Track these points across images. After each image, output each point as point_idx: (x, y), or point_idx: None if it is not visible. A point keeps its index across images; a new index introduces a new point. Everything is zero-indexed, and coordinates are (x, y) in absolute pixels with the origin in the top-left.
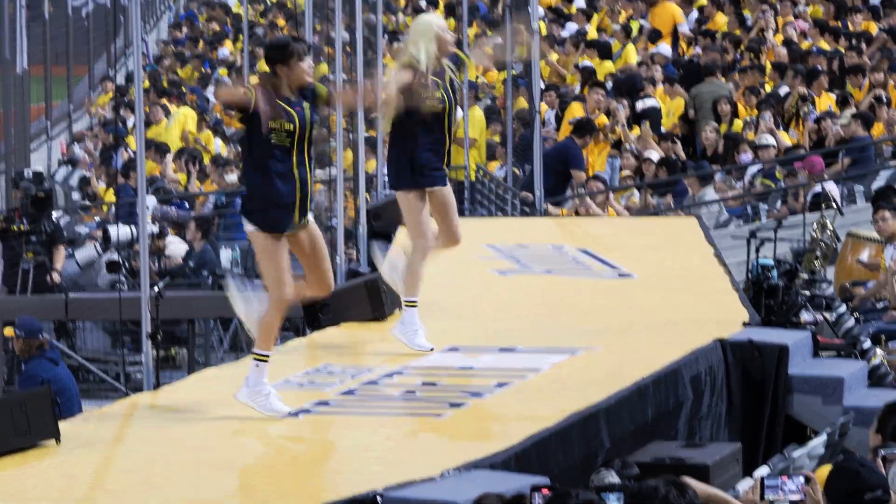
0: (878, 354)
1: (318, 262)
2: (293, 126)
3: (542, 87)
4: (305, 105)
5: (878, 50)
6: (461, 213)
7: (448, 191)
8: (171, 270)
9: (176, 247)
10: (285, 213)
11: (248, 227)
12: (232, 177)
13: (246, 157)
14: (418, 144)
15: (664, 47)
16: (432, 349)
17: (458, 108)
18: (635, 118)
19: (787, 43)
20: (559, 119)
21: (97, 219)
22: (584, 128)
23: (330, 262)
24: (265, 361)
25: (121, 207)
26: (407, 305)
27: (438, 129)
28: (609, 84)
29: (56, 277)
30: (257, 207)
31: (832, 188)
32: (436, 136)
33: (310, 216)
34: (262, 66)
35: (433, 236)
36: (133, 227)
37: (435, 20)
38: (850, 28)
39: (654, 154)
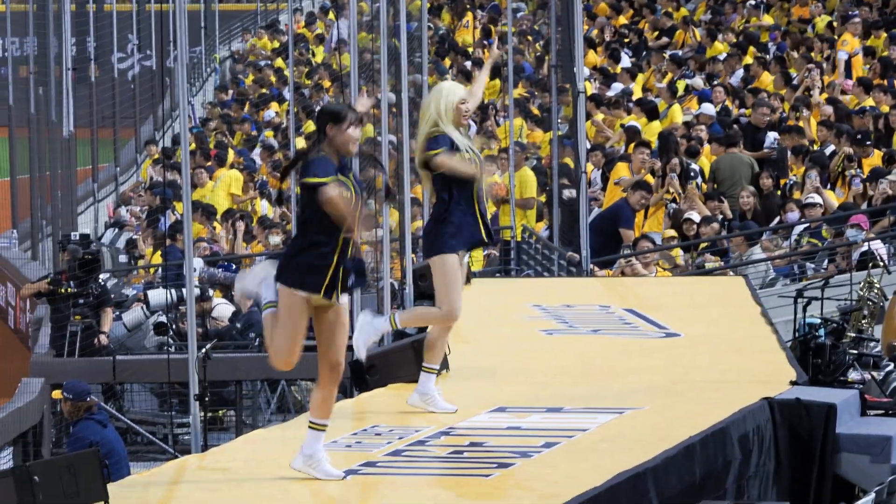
0: None
1: (328, 343)
2: (350, 195)
3: (588, 146)
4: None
5: None
6: (507, 272)
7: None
8: (218, 332)
9: (223, 308)
10: (320, 277)
11: (278, 287)
12: (276, 238)
13: (300, 223)
14: (463, 212)
15: (708, 107)
16: (455, 410)
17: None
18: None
19: (833, 101)
20: (605, 178)
21: (144, 281)
22: (639, 184)
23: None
24: (322, 430)
25: (168, 269)
26: (427, 371)
27: (472, 197)
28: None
29: (104, 340)
30: (292, 267)
31: (879, 247)
32: (474, 204)
33: (344, 298)
34: (308, 127)
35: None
36: (172, 291)
37: (458, 92)
38: None
39: (696, 214)
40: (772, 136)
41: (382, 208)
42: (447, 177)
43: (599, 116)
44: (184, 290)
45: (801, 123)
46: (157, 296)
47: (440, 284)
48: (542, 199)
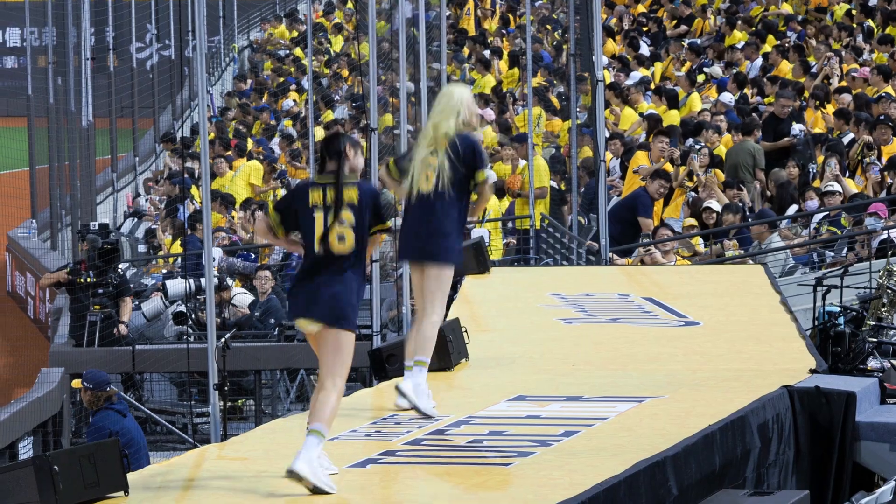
0: None
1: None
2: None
3: (607, 135)
4: None
5: None
6: (526, 261)
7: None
8: (237, 322)
9: (242, 298)
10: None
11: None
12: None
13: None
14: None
15: (726, 96)
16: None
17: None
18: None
19: (842, 91)
20: (624, 167)
21: (164, 271)
22: (658, 173)
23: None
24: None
25: (187, 259)
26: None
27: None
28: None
29: (123, 329)
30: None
31: None
32: None
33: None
34: (328, 116)
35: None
36: (191, 281)
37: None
38: None
39: (716, 203)
40: (797, 127)
41: (402, 199)
42: None
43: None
44: (202, 280)
45: (816, 114)
46: (176, 285)
47: (440, 294)
48: (563, 186)
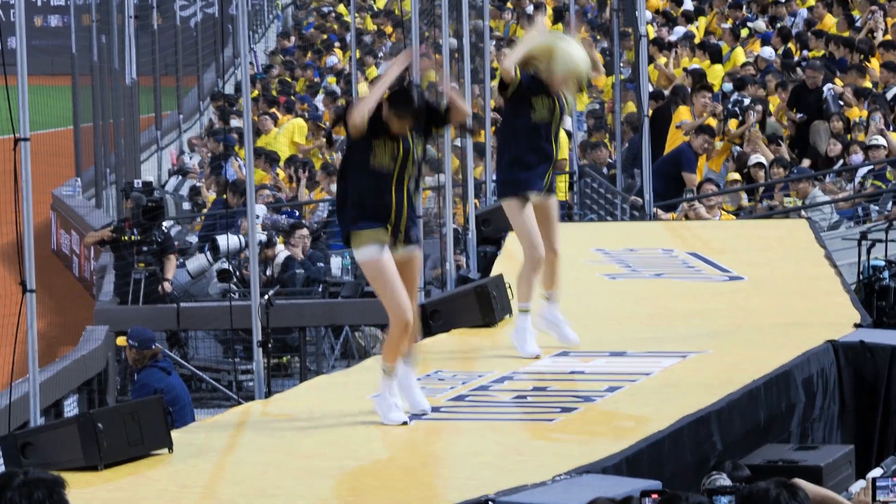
0: None
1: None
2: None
3: (651, 90)
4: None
5: None
6: (570, 218)
7: (550, 201)
8: (281, 279)
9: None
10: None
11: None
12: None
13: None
14: (525, 151)
15: (766, 50)
16: (538, 356)
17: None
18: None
19: (889, 45)
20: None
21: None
22: (702, 128)
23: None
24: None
25: (230, 217)
26: (520, 312)
27: (545, 138)
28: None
29: (167, 287)
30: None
31: None
32: (542, 145)
33: (413, 249)
34: (372, 73)
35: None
36: (241, 237)
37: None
38: None
39: (762, 158)
40: (826, 87)
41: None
42: None
43: (662, 60)
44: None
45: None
46: (226, 240)
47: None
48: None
